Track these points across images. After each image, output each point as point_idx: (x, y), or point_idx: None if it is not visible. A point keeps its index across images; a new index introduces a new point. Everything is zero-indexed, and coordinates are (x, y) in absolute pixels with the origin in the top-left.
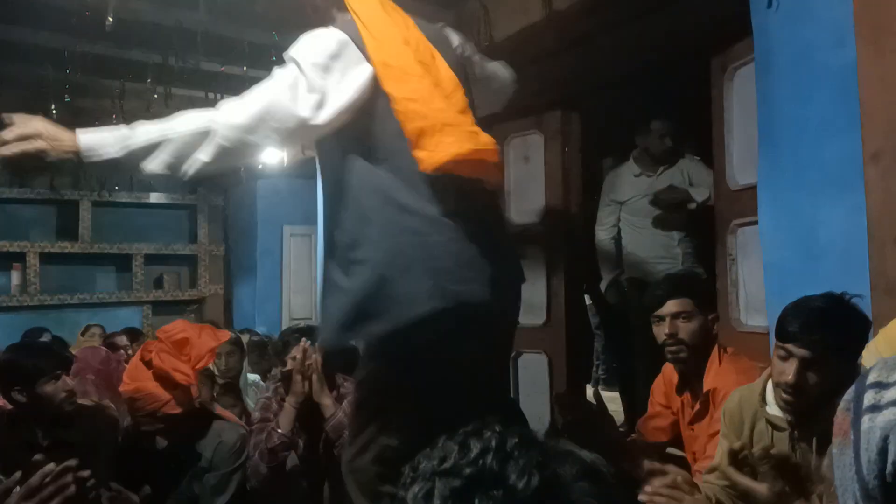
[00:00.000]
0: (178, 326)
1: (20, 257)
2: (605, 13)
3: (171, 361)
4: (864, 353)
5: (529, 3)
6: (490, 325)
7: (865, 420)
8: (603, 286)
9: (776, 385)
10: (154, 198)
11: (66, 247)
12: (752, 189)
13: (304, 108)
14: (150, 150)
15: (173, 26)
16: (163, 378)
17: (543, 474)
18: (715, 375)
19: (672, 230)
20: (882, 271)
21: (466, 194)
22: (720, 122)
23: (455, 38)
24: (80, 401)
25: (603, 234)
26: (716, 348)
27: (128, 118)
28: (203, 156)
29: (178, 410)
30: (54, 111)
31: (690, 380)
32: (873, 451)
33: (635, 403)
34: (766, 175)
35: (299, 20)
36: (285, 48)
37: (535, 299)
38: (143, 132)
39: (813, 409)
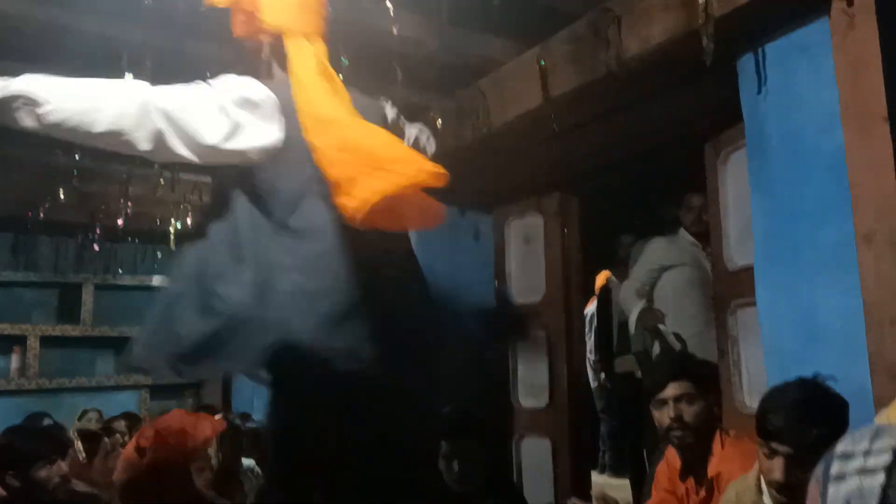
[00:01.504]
0: (174, 417)
1: (21, 340)
2: (600, 100)
3: (164, 453)
4: (876, 420)
5: (527, 90)
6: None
7: (831, 489)
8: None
9: (767, 483)
10: (157, 280)
11: (68, 330)
12: (749, 270)
13: (215, 129)
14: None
15: None
16: (156, 469)
17: None
18: (719, 460)
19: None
20: (880, 352)
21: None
22: (716, 205)
23: (390, 113)
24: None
25: (635, 301)
26: (718, 432)
27: (134, 203)
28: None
29: None
30: (62, 195)
31: (694, 464)
32: None
33: (644, 490)
34: (762, 257)
35: None
36: None
37: (536, 381)
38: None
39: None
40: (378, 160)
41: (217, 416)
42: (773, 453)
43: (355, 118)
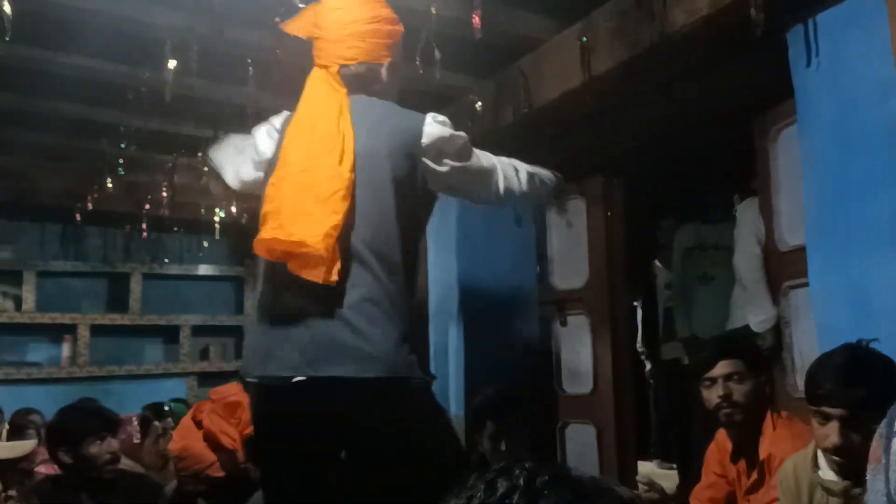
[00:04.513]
0: (233, 389)
1: (71, 329)
2: (644, 77)
3: (219, 423)
4: None
5: (568, 69)
6: None
7: (895, 442)
8: None
9: (824, 451)
10: (202, 270)
11: (116, 318)
12: (802, 250)
13: None
14: None
15: (224, 101)
16: (210, 439)
17: None
18: (770, 442)
19: None
20: None
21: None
22: (767, 184)
23: (433, 128)
24: (122, 466)
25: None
26: (769, 412)
27: (178, 192)
28: None
29: (221, 474)
30: (109, 184)
31: (745, 447)
32: None
33: (691, 474)
34: (815, 235)
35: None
36: None
37: (581, 367)
38: None
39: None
40: (295, 203)
41: None
42: (825, 418)
43: (310, 162)
